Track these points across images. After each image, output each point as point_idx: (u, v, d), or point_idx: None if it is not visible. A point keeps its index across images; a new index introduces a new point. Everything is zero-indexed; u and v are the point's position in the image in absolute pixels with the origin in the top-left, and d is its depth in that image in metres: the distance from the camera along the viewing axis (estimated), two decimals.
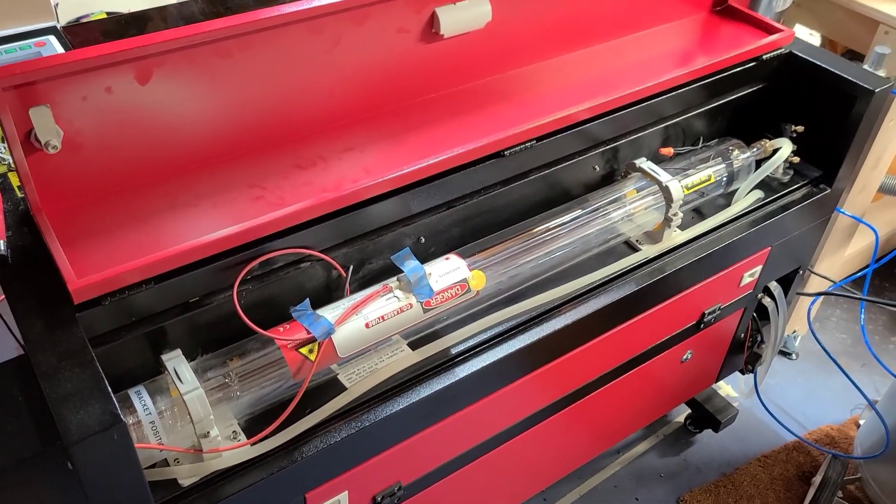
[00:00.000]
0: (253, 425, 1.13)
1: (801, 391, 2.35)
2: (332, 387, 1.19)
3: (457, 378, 1.24)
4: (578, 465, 1.80)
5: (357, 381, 1.19)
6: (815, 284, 2.21)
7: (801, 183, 1.66)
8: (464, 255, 1.30)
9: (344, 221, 1.20)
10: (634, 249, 1.48)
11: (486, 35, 1.36)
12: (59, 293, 1.00)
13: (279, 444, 1.11)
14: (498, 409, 1.38)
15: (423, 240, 1.34)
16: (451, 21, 1.29)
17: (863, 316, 2.32)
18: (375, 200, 1.21)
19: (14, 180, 1.16)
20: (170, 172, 1.16)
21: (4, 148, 1.26)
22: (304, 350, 1.13)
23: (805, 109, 1.65)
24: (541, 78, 1.46)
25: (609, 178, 1.56)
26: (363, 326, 1.16)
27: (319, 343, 1.13)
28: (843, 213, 1.99)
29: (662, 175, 1.45)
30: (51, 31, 1.50)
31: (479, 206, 1.37)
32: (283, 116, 1.23)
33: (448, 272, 1.24)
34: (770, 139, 1.63)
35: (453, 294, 1.24)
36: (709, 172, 1.52)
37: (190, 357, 1.11)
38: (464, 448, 1.39)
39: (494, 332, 1.30)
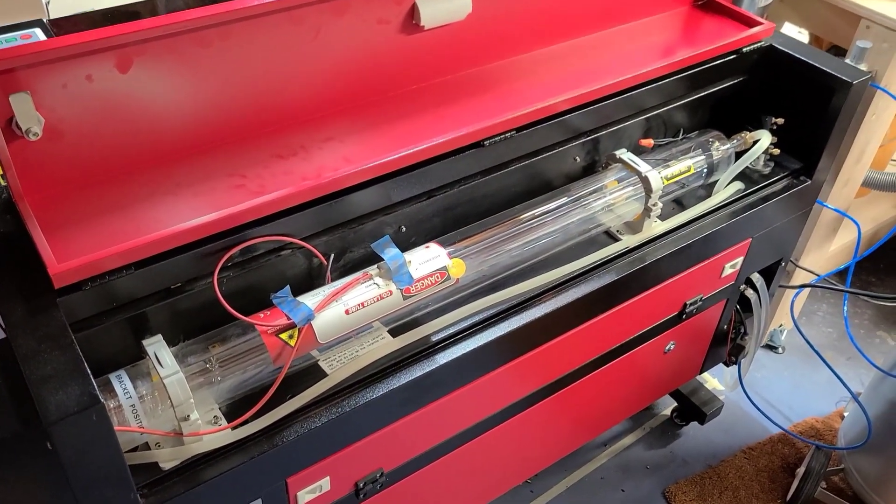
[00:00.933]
0: (235, 410, 1.14)
1: (788, 384, 2.37)
2: (313, 373, 1.20)
3: (437, 365, 1.25)
4: (563, 455, 1.81)
5: (338, 367, 1.21)
6: (800, 278, 2.23)
7: (782, 175, 1.68)
8: (445, 244, 1.31)
9: (325, 209, 1.21)
10: (615, 239, 1.50)
11: (466, 27, 1.38)
12: (40, 278, 1.01)
13: (260, 428, 1.12)
14: (479, 397, 1.40)
15: (405, 229, 1.35)
16: (432, 12, 1.31)
17: (846, 309, 2.34)
18: (356, 189, 1.23)
19: None
20: (151, 161, 1.17)
21: None
22: (284, 336, 1.14)
23: (785, 102, 1.67)
24: (522, 70, 1.47)
25: (590, 169, 1.58)
26: (343, 313, 1.18)
27: (299, 329, 1.14)
28: (826, 206, 2.01)
29: (642, 166, 1.47)
30: (37, 23, 1.51)
31: (460, 196, 1.39)
32: (263, 106, 1.24)
33: (428, 260, 1.26)
34: (750, 131, 1.64)
35: (433, 282, 1.25)
36: (688, 163, 1.54)
37: (172, 343, 1.12)
38: (446, 436, 1.40)
39: (475, 321, 1.31)
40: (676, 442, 2.18)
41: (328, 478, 1.24)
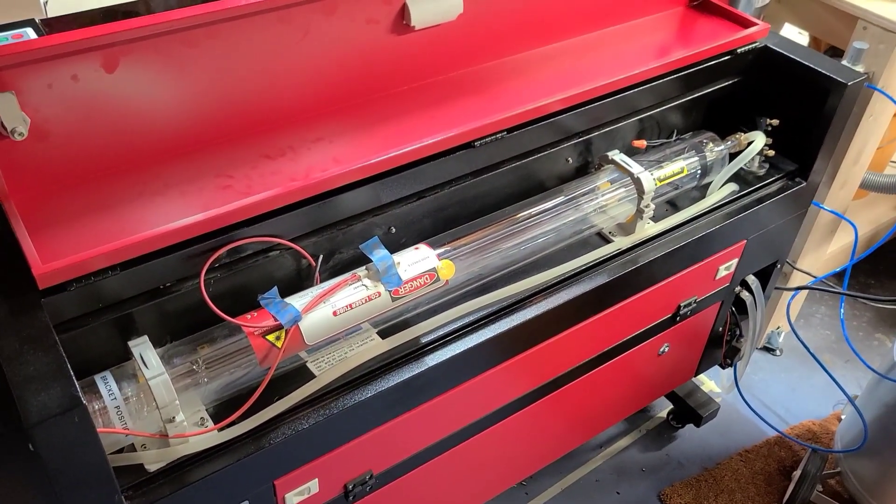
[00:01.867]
0: (222, 412, 1.13)
1: (785, 387, 2.36)
2: (301, 375, 1.20)
3: (427, 367, 1.25)
4: (556, 457, 1.80)
5: (326, 369, 1.20)
6: (797, 280, 2.22)
7: (777, 176, 1.67)
8: (435, 246, 1.30)
9: (313, 210, 1.21)
10: (607, 241, 1.49)
11: (457, 27, 1.37)
12: (24, 279, 1.01)
13: (247, 430, 1.11)
14: (470, 399, 1.39)
15: (395, 230, 1.34)
16: (422, 12, 1.30)
17: (843, 311, 2.33)
18: (345, 189, 1.22)
19: None
20: (138, 161, 1.17)
21: None
22: (271, 337, 1.13)
23: (780, 103, 1.66)
24: (513, 71, 1.46)
25: (583, 171, 1.57)
26: (331, 314, 1.17)
27: (286, 330, 1.13)
28: (822, 207, 2.00)
29: (634, 167, 1.46)
30: (28, 23, 1.51)
31: (451, 197, 1.38)
32: (251, 107, 1.23)
33: (417, 261, 1.25)
34: (745, 132, 1.64)
35: (422, 283, 1.25)
36: (681, 164, 1.53)
37: (159, 344, 1.12)
38: (436, 438, 1.40)
39: (466, 322, 1.31)
40: (672, 444, 2.18)
41: (316, 480, 1.24)
